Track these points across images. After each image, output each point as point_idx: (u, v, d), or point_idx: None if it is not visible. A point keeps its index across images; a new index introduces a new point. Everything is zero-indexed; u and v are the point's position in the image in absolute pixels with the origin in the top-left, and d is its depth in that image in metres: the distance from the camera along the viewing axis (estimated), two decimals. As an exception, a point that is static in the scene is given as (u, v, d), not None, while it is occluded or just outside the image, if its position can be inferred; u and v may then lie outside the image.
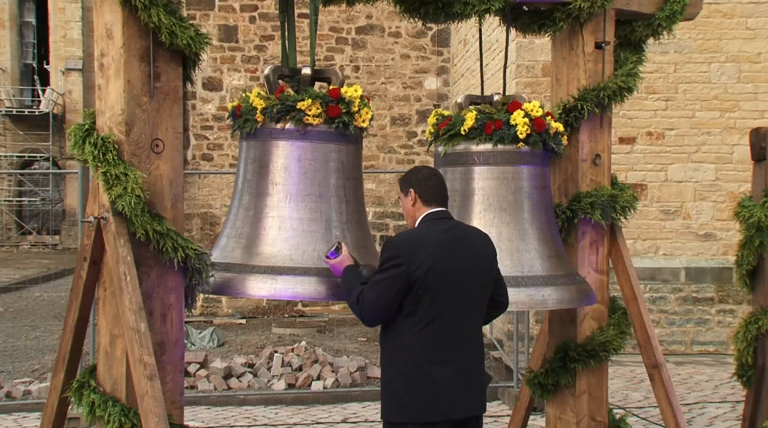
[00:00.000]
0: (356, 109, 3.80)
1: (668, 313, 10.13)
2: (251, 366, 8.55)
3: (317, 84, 3.99)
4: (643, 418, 7.21)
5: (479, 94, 4.48)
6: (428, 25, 12.36)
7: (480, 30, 4.59)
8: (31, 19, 30.47)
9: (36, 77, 29.73)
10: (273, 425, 7.17)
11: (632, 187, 4.81)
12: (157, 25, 3.40)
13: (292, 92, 3.86)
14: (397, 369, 3.48)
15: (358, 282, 3.49)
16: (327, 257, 3.60)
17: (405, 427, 3.47)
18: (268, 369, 8.49)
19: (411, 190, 3.61)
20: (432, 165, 4.26)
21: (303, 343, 9.16)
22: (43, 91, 28.86)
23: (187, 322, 6.68)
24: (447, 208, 3.66)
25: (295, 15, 4.17)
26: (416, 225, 3.60)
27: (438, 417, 3.45)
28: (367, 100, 3.88)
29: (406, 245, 3.47)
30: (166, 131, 3.53)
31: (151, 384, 3.25)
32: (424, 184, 3.61)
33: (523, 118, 4.04)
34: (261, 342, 10.11)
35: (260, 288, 3.66)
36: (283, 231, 3.73)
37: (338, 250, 3.58)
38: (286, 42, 4.07)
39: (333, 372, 8.39)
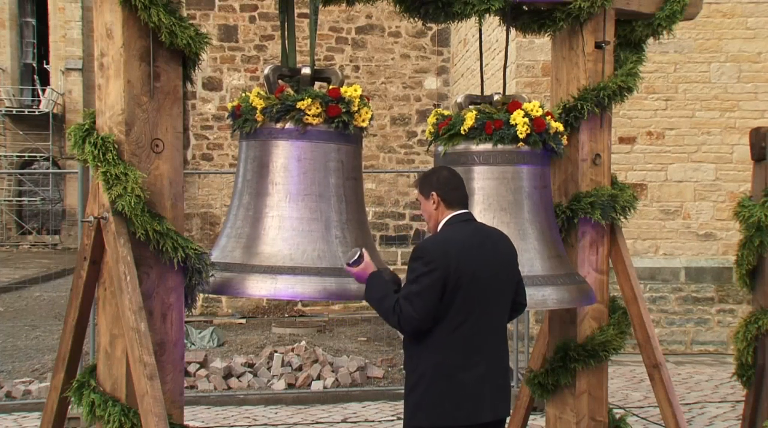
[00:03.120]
0: (356, 108, 3.80)
1: (668, 313, 10.13)
2: (251, 365, 8.55)
3: (317, 84, 3.98)
4: (643, 418, 7.21)
5: (479, 93, 4.48)
6: (428, 24, 12.38)
7: (480, 30, 4.58)
8: (31, 18, 30.45)
9: (36, 77, 29.72)
10: (273, 425, 7.17)
11: (632, 186, 4.81)
12: (157, 24, 3.39)
13: (291, 92, 3.86)
14: (423, 373, 3.42)
15: (390, 291, 3.43)
16: (348, 265, 3.54)
17: None
18: (268, 368, 8.48)
19: (433, 192, 3.56)
20: (432, 165, 4.25)
21: (303, 343, 9.16)
22: (43, 90, 28.84)
23: (187, 322, 6.68)
24: (469, 209, 3.64)
25: (295, 15, 4.18)
26: (440, 228, 3.56)
27: (463, 421, 3.41)
28: (366, 100, 3.88)
29: (439, 249, 3.42)
30: (166, 131, 3.53)
31: (151, 383, 3.25)
32: (447, 186, 3.56)
33: (523, 117, 4.04)
34: (261, 342, 10.12)
35: (260, 287, 3.66)
36: (282, 230, 3.73)
37: (360, 258, 3.52)
38: (286, 42, 4.07)
39: (333, 372, 8.39)
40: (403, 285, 3.46)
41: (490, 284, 3.46)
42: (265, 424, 7.19)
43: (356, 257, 3.53)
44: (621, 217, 4.49)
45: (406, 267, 3.52)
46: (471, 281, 3.39)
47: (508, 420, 5.07)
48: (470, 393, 3.41)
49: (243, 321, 12.49)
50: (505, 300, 3.58)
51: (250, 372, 8.39)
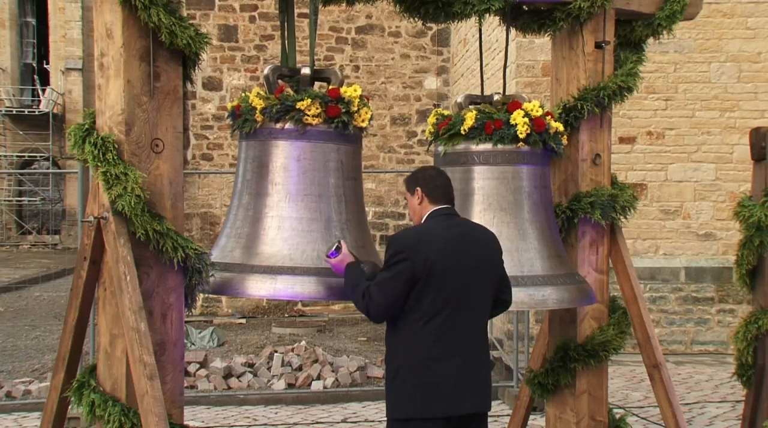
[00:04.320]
0: (356, 108, 3.81)
1: (668, 313, 10.13)
2: (251, 365, 8.55)
3: (317, 84, 3.99)
4: (643, 418, 7.21)
5: (479, 93, 4.48)
6: (428, 24, 12.37)
7: (480, 30, 4.58)
8: (31, 19, 30.43)
9: (36, 77, 29.70)
10: (273, 425, 7.17)
11: (632, 186, 4.80)
12: (157, 24, 3.40)
13: (291, 92, 3.87)
14: (401, 365, 3.49)
15: (362, 279, 3.51)
16: (327, 256, 3.62)
17: (409, 423, 3.48)
18: (268, 368, 8.48)
19: (418, 188, 3.64)
20: (432, 164, 4.26)
21: (303, 343, 9.16)
22: (43, 90, 28.82)
23: (187, 322, 6.68)
24: (453, 206, 3.68)
25: (295, 15, 4.18)
26: (422, 221, 3.63)
27: (441, 412, 3.46)
28: (366, 100, 3.88)
29: (411, 240, 3.50)
30: (166, 131, 3.53)
31: (151, 383, 3.25)
32: (431, 182, 3.65)
33: (523, 117, 4.05)
34: (261, 342, 10.11)
35: (260, 288, 3.66)
36: (282, 230, 3.73)
37: (338, 249, 3.61)
38: (286, 42, 4.07)
39: (333, 371, 8.39)
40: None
41: (467, 278, 3.50)
42: (265, 424, 7.19)
43: (334, 248, 3.61)
44: (621, 217, 4.49)
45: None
46: (446, 273, 3.44)
47: (508, 420, 5.08)
48: (446, 385, 3.46)
49: (243, 321, 12.49)
50: (484, 294, 3.61)
51: (250, 372, 8.39)
